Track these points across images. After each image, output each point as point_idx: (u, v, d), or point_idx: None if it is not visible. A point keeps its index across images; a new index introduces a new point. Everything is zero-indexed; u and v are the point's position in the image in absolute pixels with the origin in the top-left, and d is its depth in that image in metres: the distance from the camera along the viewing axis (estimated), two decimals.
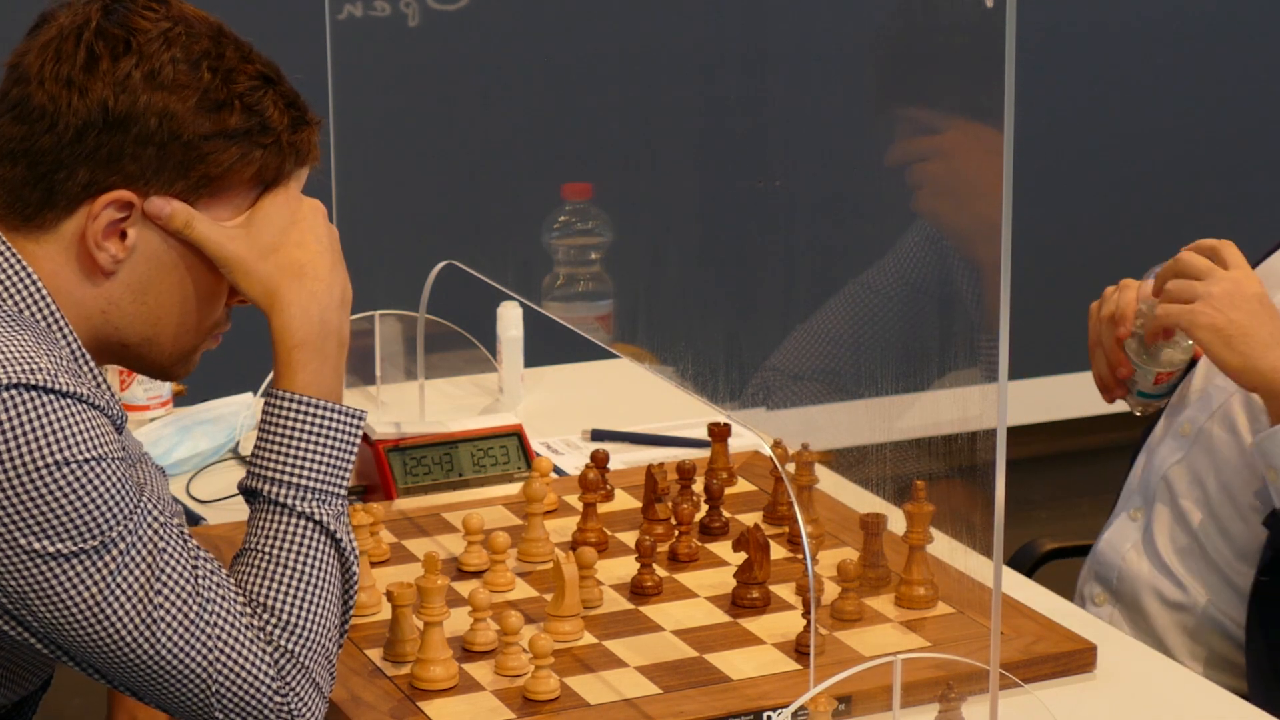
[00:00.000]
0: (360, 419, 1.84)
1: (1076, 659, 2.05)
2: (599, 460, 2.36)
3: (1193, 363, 2.45)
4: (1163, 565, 2.41)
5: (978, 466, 1.79)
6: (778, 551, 2.26)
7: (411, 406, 2.76)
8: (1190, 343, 2.38)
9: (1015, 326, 1.70)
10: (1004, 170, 1.66)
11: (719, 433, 2.45)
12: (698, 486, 2.38)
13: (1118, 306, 2.39)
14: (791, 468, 2.34)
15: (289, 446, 1.81)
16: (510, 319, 2.82)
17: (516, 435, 2.50)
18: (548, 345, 2.94)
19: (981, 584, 2.04)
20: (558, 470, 2.54)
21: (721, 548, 2.28)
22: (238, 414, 2.64)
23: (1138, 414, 2.48)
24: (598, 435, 2.69)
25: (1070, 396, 4.95)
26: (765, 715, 1.93)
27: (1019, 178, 1.67)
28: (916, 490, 2.16)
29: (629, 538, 2.30)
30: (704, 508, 2.34)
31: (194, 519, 2.43)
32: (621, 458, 2.57)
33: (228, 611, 1.75)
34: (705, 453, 2.51)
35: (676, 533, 2.27)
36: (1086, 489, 4.72)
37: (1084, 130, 4.83)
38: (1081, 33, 4.79)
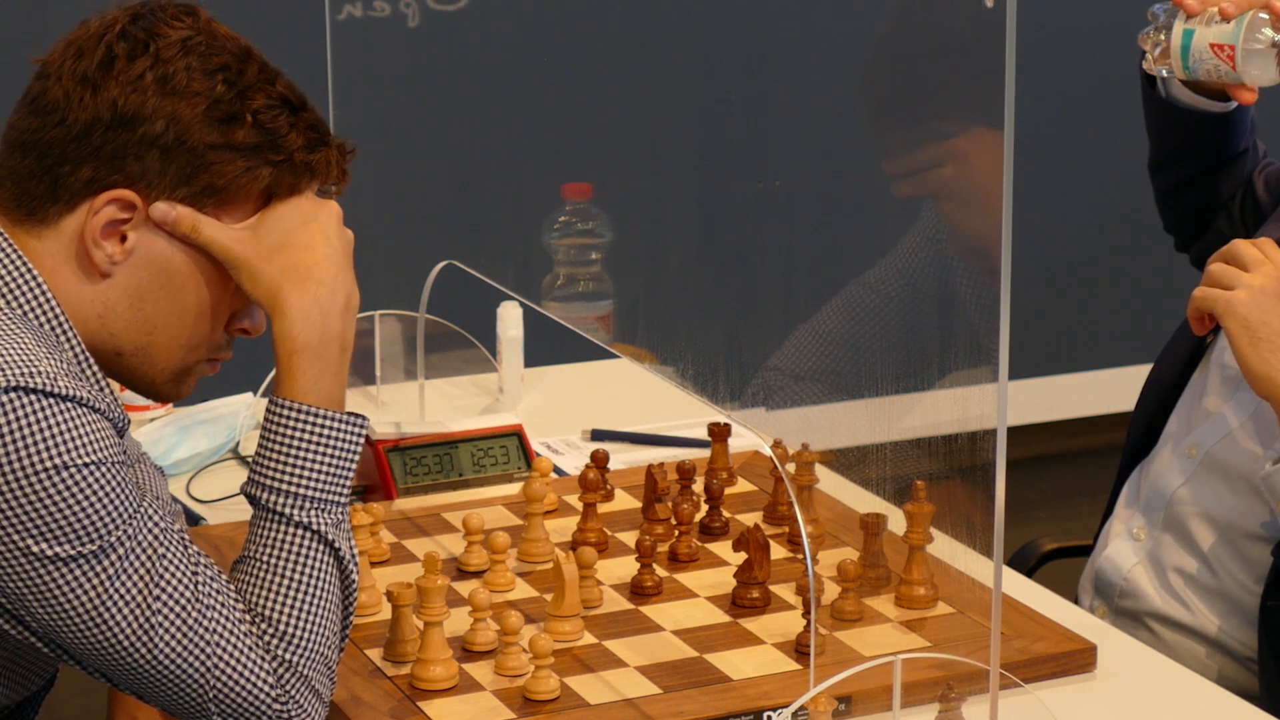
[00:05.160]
0: (361, 426, 1.83)
1: (1076, 659, 2.05)
2: (599, 460, 2.36)
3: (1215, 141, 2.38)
4: (1171, 589, 2.39)
5: (978, 466, 1.79)
6: (778, 551, 2.26)
7: (411, 406, 2.76)
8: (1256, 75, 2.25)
9: (1015, 326, 1.70)
10: (1004, 170, 1.66)
11: (719, 433, 2.45)
12: (698, 486, 2.38)
13: None
14: (791, 468, 2.34)
15: (288, 455, 1.80)
16: (510, 319, 2.82)
17: (516, 435, 2.50)
18: (548, 345, 2.94)
19: (981, 584, 2.04)
20: (558, 470, 2.54)
21: (721, 548, 2.28)
22: (238, 414, 2.64)
23: (1149, 56, 2.32)
24: (598, 435, 2.69)
25: (1070, 396, 4.95)
26: (765, 715, 1.93)
27: (1019, 178, 1.66)
28: (916, 490, 2.16)
29: (629, 538, 2.30)
30: (704, 508, 2.34)
31: (194, 519, 2.43)
32: (621, 458, 2.57)
33: (226, 618, 1.75)
34: (705, 453, 2.51)
35: (676, 533, 2.27)
36: (1086, 489, 4.72)
37: (1084, 130, 4.83)
38: (1082, 32, 4.79)
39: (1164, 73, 2.34)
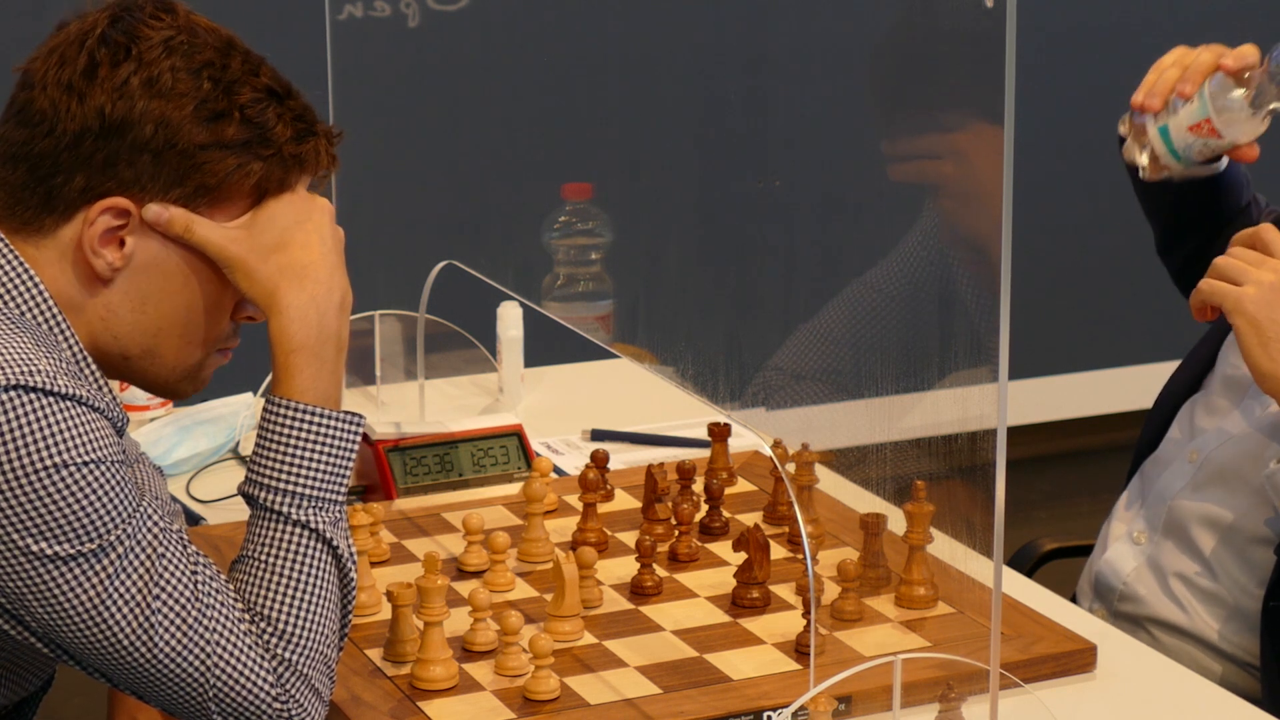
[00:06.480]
0: (358, 424, 1.84)
1: (1076, 659, 2.05)
2: (599, 460, 2.36)
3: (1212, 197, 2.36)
4: (1171, 594, 2.38)
5: (978, 466, 1.79)
6: (778, 551, 2.26)
7: (411, 406, 2.76)
8: (1259, 128, 2.24)
9: (1015, 326, 1.70)
10: (1004, 169, 1.65)
11: (719, 433, 2.45)
12: (698, 486, 2.38)
13: (1240, 55, 2.23)
14: (791, 468, 2.34)
15: (286, 454, 1.80)
16: (510, 319, 2.82)
17: (516, 435, 2.50)
18: (548, 345, 2.94)
19: (981, 584, 2.04)
20: (558, 470, 2.54)
21: (721, 548, 2.28)
22: (238, 414, 2.64)
23: (1142, 169, 2.32)
24: (598, 435, 2.68)
25: (1070, 396, 4.95)
26: (765, 715, 1.93)
27: (1019, 177, 1.66)
28: (916, 490, 2.15)
29: (629, 538, 2.30)
30: (704, 508, 2.34)
31: (194, 519, 2.43)
32: (621, 458, 2.57)
33: (225, 617, 1.75)
34: (705, 453, 2.51)
35: (676, 533, 2.27)
36: (1086, 489, 4.72)
37: (1084, 129, 4.83)
38: (1082, 31, 4.79)
39: (1166, 176, 2.34)
